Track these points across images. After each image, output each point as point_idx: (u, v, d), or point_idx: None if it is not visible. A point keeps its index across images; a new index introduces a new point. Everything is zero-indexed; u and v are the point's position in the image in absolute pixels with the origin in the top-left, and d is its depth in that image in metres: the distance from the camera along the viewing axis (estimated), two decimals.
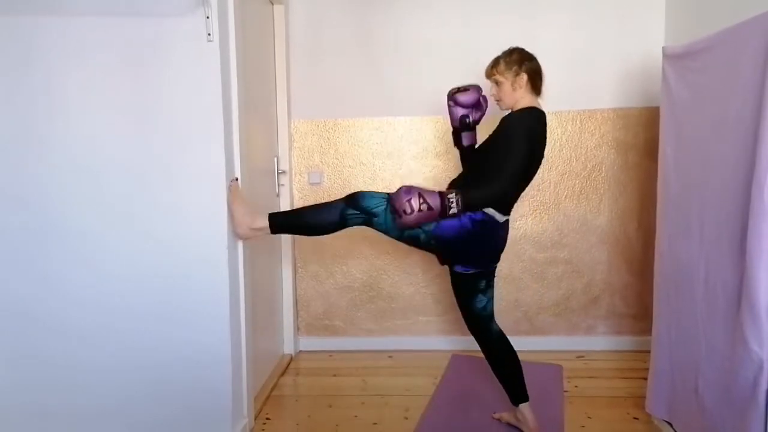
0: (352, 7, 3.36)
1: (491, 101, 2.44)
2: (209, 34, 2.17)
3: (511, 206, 2.34)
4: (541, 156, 2.33)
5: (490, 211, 2.23)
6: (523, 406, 2.40)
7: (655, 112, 2.72)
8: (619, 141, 3.32)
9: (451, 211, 2.16)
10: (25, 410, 2.35)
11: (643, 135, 3.28)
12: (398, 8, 3.32)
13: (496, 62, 2.35)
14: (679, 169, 2.26)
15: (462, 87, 2.43)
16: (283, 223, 2.37)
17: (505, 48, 2.36)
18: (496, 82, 2.35)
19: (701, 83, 2.10)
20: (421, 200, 2.14)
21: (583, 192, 3.36)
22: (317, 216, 2.30)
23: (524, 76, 2.30)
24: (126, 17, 2.20)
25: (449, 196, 2.16)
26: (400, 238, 2.29)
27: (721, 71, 1.96)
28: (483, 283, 2.35)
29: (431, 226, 2.22)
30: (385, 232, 2.27)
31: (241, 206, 2.30)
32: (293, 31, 3.36)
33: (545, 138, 2.34)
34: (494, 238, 2.31)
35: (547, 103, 3.31)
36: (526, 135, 2.21)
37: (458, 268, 2.33)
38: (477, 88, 2.43)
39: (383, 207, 2.22)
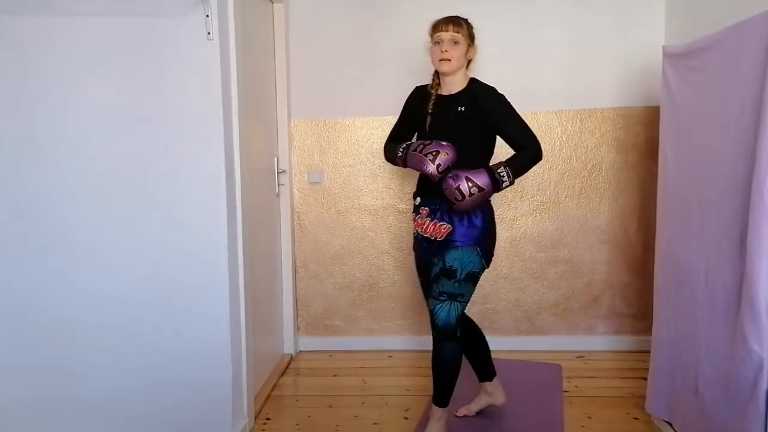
0: (352, 5, 3.36)
1: (425, 61, 2.28)
2: (209, 33, 2.17)
3: None
4: None
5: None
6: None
7: (655, 112, 2.72)
8: (619, 140, 3.31)
9: (504, 185, 2.14)
10: (24, 411, 2.35)
11: (643, 134, 3.28)
12: (398, 7, 3.31)
13: (459, 22, 2.21)
14: (679, 169, 2.26)
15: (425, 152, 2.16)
16: (441, 395, 2.31)
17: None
18: (455, 41, 2.19)
19: (701, 83, 2.10)
20: (470, 183, 2.10)
21: (583, 192, 3.36)
22: (448, 365, 2.27)
23: (474, 51, 2.28)
24: (126, 17, 2.20)
25: (498, 170, 2.14)
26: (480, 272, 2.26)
27: (721, 71, 1.96)
28: None
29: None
30: (474, 273, 2.22)
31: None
32: (293, 29, 3.36)
33: None
34: None
35: (547, 102, 3.35)
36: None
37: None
38: (439, 148, 2.16)
39: (454, 289, 2.19)
